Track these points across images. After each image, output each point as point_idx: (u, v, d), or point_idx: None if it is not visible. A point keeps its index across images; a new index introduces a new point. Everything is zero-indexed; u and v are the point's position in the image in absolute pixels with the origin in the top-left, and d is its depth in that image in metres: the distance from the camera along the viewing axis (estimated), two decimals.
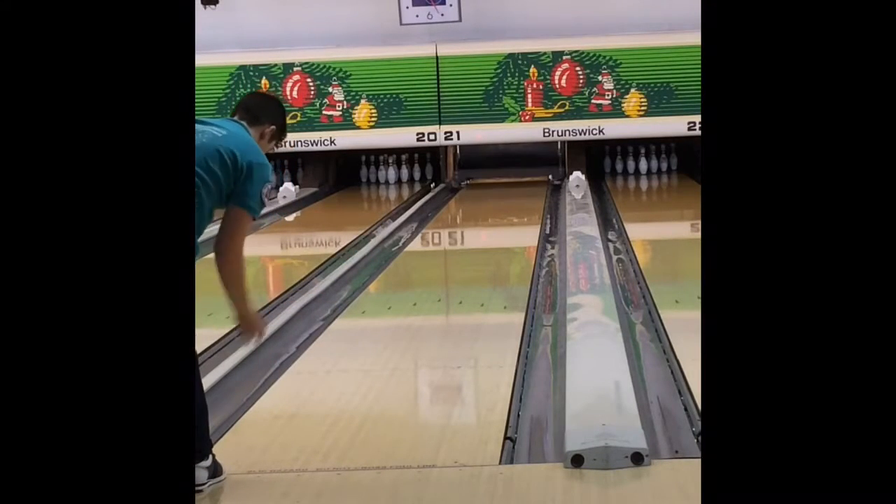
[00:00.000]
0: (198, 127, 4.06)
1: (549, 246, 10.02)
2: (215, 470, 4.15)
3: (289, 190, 14.12)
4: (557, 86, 15.02)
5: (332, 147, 15.22)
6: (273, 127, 4.34)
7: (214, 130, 4.11)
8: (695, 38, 13.26)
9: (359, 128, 15.18)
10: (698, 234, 9.58)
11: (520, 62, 15.02)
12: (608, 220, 11.57)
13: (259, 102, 4.45)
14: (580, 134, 15.06)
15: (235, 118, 4.32)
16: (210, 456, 4.13)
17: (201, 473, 4.09)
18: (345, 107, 15.15)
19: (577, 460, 4.17)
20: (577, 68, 15.00)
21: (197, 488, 4.08)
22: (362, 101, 15.15)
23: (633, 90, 14.97)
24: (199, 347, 6.03)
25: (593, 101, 15.01)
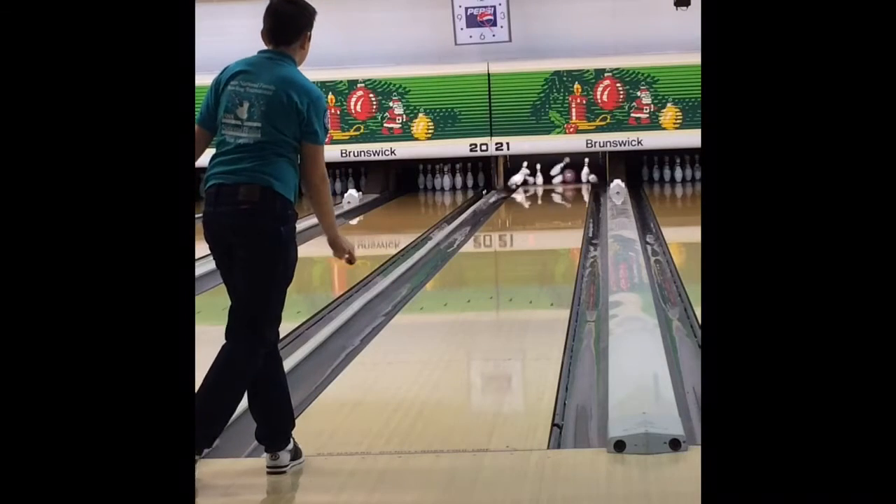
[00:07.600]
0: (248, 87, 3.99)
1: (591, 248, 9.98)
2: (296, 453, 4.15)
3: (353, 196, 14.16)
4: (599, 100, 14.98)
5: (393, 157, 15.26)
6: (307, 32, 4.16)
7: (264, 91, 4.00)
8: None
9: (417, 139, 15.20)
10: None
11: (565, 79, 14.99)
12: (646, 224, 11.50)
13: (284, 21, 4.12)
14: (620, 145, 15.02)
15: (270, 50, 4.10)
16: (291, 440, 4.14)
17: (284, 456, 4.09)
18: (404, 120, 15.18)
19: (620, 446, 4.15)
20: (618, 84, 14.95)
21: (280, 469, 4.09)
22: (420, 115, 15.17)
23: (669, 104, 14.91)
24: None
25: (632, 114, 14.96)
